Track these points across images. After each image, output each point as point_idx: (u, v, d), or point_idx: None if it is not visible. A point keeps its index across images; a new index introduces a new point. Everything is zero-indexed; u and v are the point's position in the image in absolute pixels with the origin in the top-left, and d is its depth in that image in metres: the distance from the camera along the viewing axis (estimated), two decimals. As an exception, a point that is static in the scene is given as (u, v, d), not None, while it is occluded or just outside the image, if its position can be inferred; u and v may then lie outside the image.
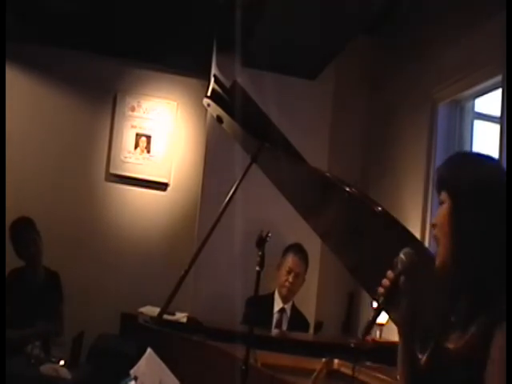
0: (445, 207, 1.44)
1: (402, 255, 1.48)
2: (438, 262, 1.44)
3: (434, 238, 1.47)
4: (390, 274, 1.47)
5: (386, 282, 1.47)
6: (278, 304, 3.67)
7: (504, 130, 3.03)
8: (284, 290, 3.65)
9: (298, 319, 3.74)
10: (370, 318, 1.49)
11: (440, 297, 1.43)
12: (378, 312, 1.48)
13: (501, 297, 1.33)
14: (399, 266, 1.47)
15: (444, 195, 1.45)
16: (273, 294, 3.69)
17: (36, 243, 3.71)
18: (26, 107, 4.89)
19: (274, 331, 3.58)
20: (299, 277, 3.67)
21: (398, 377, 1.54)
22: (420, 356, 1.52)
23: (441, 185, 1.48)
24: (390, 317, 1.56)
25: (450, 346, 1.41)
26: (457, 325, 1.41)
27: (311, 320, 4.03)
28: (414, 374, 1.50)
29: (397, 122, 4.32)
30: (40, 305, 3.63)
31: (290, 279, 3.62)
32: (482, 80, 3.36)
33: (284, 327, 3.68)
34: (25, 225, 3.75)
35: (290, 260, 3.64)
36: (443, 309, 1.43)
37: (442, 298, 1.43)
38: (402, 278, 1.46)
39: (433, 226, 1.47)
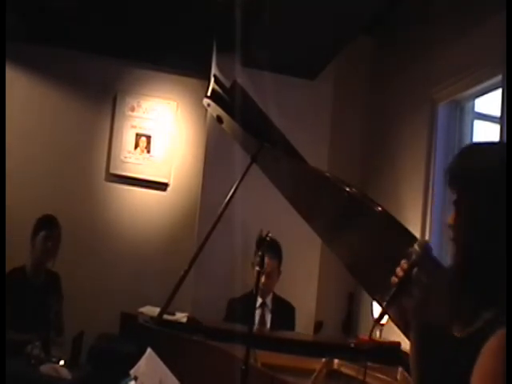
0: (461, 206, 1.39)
1: (416, 246, 1.49)
2: (455, 261, 1.41)
3: (451, 239, 1.43)
4: (404, 264, 1.47)
5: (399, 271, 1.47)
6: (257, 300, 3.70)
7: (504, 130, 3.03)
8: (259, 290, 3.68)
9: (281, 306, 3.77)
10: (380, 311, 1.49)
11: (450, 290, 1.40)
12: (392, 299, 1.46)
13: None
14: (413, 256, 1.47)
15: (457, 193, 1.41)
16: (252, 291, 3.71)
17: (54, 239, 3.78)
18: (26, 107, 4.89)
19: (277, 332, 3.59)
20: (271, 275, 3.69)
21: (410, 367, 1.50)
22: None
23: (453, 183, 1.43)
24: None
25: (456, 334, 1.39)
26: (464, 315, 1.39)
27: (311, 320, 4.03)
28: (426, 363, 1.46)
29: (397, 122, 4.32)
30: (40, 305, 3.64)
31: (262, 280, 3.64)
32: (482, 80, 3.36)
33: (268, 319, 3.70)
34: (50, 221, 3.83)
35: None
36: (452, 299, 1.41)
37: (452, 290, 1.40)
38: (415, 269, 1.46)
39: (449, 226, 1.42)
